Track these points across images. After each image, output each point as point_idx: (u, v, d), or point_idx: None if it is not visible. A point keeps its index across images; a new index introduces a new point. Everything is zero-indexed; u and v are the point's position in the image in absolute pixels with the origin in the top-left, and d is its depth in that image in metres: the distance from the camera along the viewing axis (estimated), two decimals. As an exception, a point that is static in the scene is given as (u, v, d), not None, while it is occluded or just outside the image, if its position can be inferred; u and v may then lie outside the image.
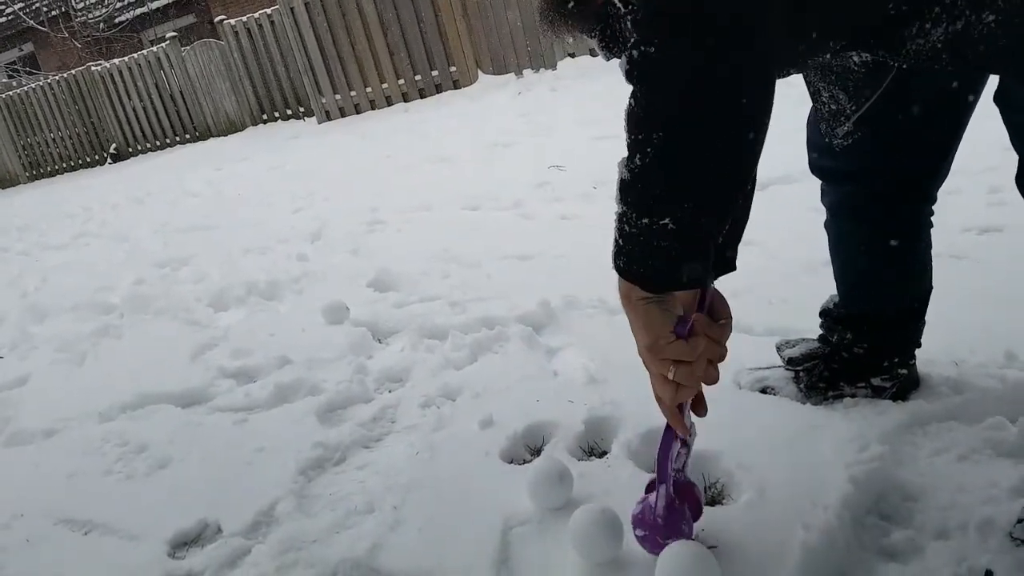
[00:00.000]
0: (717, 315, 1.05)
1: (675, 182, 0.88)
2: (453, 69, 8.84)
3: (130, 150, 12.96)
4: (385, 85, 9.31)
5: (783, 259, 2.32)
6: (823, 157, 1.44)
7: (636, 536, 1.18)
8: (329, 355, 2.27)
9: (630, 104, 0.89)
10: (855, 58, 1.19)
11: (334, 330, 2.48)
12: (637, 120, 0.88)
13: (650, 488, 1.19)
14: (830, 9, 0.93)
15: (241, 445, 1.84)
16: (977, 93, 1.27)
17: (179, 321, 2.93)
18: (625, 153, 0.91)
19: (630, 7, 0.91)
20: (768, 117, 0.90)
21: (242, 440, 1.87)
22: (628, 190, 0.91)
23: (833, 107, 1.28)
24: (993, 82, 1.15)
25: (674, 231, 0.89)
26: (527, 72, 8.45)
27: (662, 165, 0.88)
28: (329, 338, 2.40)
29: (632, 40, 0.86)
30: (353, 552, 1.36)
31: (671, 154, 0.87)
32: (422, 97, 9.11)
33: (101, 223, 6.12)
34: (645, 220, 0.90)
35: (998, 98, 1.08)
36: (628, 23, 0.89)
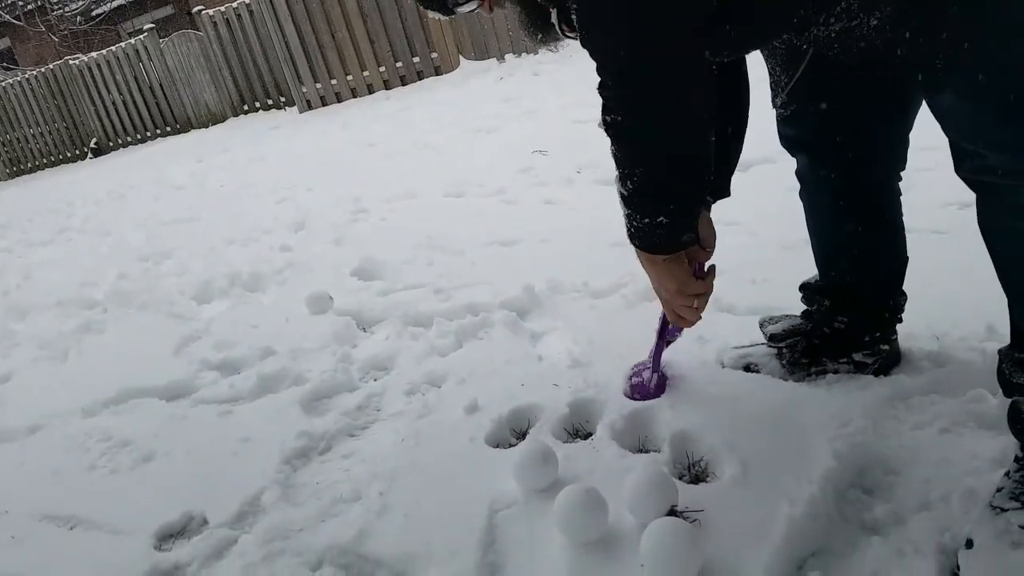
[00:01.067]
0: (706, 244, 1.36)
1: (660, 196, 1.21)
2: (435, 56, 8.79)
3: (110, 144, 12.83)
4: (366, 73, 9.25)
5: (765, 239, 2.33)
6: (779, 125, 1.50)
7: (634, 397, 1.58)
8: (313, 345, 2.26)
9: (613, 150, 1.19)
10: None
11: (318, 320, 2.47)
12: (622, 161, 1.20)
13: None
14: (748, 25, 1.15)
15: (226, 436, 1.83)
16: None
17: (162, 314, 2.91)
18: (617, 175, 1.21)
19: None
20: (713, 115, 1.16)
21: (227, 431, 1.87)
22: (628, 203, 1.23)
23: (773, 79, 1.41)
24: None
25: (669, 223, 1.22)
26: (509, 57, 8.41)
27: (647, 189, 1.20)
28: (313, 328, 2.39)
29: (602, 105, 1.15)
30: (339, 539, 1.36)
31: (652, 182, 1.19)
32: (404, 84, 9.05)
33: (83, 218, 6.06)
34: (647, 219, 1.22)
35: (923, 87, 1.14)
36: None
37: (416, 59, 8.90)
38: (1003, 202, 1.09)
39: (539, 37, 1.32)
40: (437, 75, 8.80)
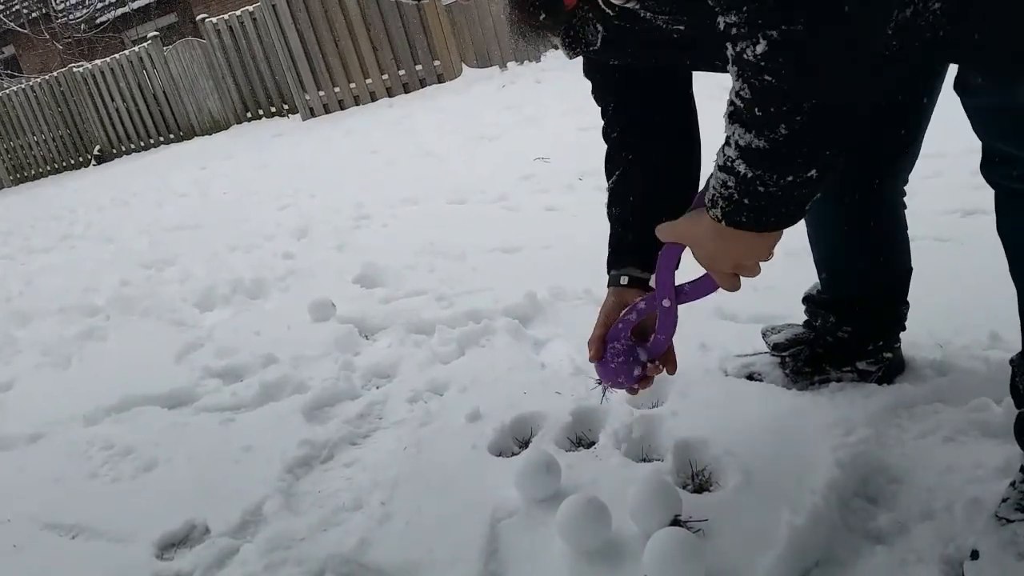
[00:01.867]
0: None
1: (826, 139, 0.93)
2: (437, 63, 8.81)
3: (114, 151, 12.87)
4: (369, 81, 9.27)
5: (768, 246, 2.32)
6: None
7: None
8: (315, 352, 2.26)
9: (767, 81, 0.89)
10: None
11: (320, 327, 2.46)
12: (782, 94, 0.90)
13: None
14: None
15: (228, 445, 1.83)
16: (940, 79, 1.28)
17: (164, 322, 2.91)
18: (747, 124, 0.93)
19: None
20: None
21: (229, 440, 1.86)
22: (769, 157, 0.94)
23: None
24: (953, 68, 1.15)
25: (818, 177, 0.95)
26: (511, 64, 8.43)
27: (815, 129, 0.91)
28: (315, 335, 2.39)
29: (761, 21, 0.86)
30: (341, 548, 1.35)
31: (824, 118, 0.91)
32: (406, 92, 9.07)
33: (86, 225, 6.08)
34: (790, 177, 0.94)
35: (957, 85, 1.08)
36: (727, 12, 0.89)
37: (419, 66, 8.92)
38: None
39: (541, 17, 1.10)
40: (439, 83, 8.83)
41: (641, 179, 1.29)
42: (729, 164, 0.97)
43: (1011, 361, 1.17)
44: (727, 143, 0.97)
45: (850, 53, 0.87)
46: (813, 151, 0.93)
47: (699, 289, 1.22)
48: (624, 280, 1.28)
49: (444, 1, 1.22)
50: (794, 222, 1.02)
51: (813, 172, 0.94)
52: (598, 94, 1.37)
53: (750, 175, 0.96)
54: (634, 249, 1.28)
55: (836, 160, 0.95)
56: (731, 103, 0.94)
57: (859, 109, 0.93)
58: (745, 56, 0.88)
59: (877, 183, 1.40)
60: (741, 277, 1.12)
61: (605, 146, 1.35)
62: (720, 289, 1.18)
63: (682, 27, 1.07)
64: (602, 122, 1.36)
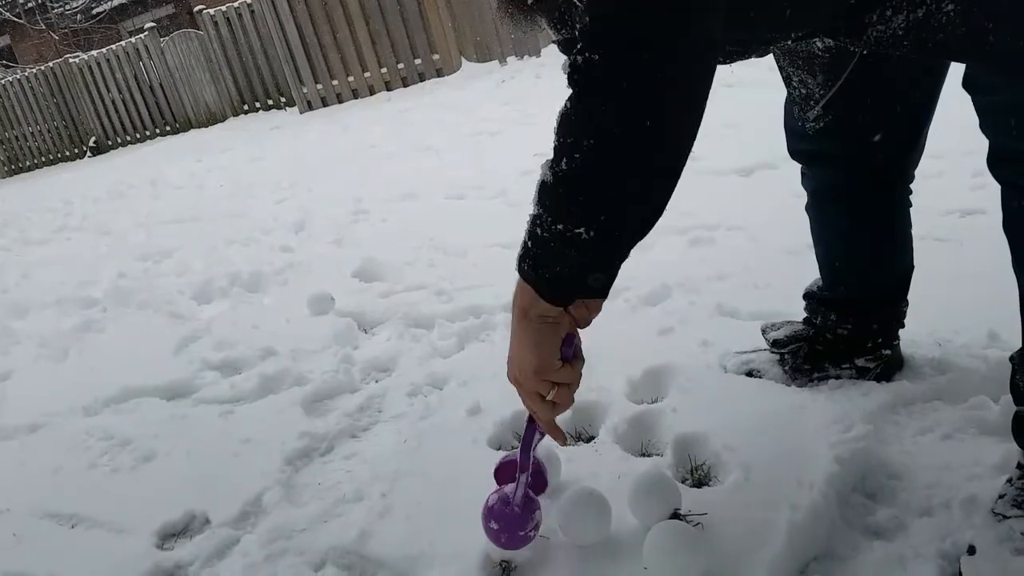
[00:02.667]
0: (595, 311, 1.03)
1: (599, 192, 0.88)
2: (436, 57, 8.80)
3: (110, 143, 12.82)
4: (367, 74, 9.26)
5: (767, 243, 2.33)
6: (800, 141, 1.45)
7: (489, 529, 1.19)
8: (314, 346, 2.26)
9: (565, 107, 0.88)
10: (819, 44, 1.21)
11: (319, 321, 2.47)
12: (571, 124, 0.87)
13: (501, 474, 1.28)
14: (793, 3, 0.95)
15: (227, 437, 1.83)
16: (944, 73, 1.28)
17: (162, 314, 2.90)
18: (551, 156, 0.90)
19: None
20: (697, 126, 0.89)
21: (228, 432, 1.86)
22: (548, 194, 0.90)
23: (803, 91, 1.31)
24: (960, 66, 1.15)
25: (587, 241, 0.89)
26: (511, 59, 8.42)
27: (589, 172, 0.87)
28: (314, 329, 2.39)
29: (578, 46, 0.85)
30: (342, 540, 1.36)
31: (600, 162, 0.86)
32: (405, 86, 9.06)
33: (82, 217, 6.06)
34: (559, 226, 0.89)
35: (966, 83, 1.08)
36: (578, 14, 0.88)
37: (418, 60, 8.91)
38: None
39: (530, 1, 1.07)
40: (438, 77, 8.81)
41: None
42: (534, 197, 0.94)
43: (1011, 359, 1.18)
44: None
45: (638, 93, 0.83)
46: (585, 200, 0.88)
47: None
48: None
49: None
50: (570, 291, 0.95)
51: (582, 230, 0.88)
52: None
53: (533, 212, 0.93)
54: None
55: (607, 229, 0.89)
56: None
57: (643, 168, 0.87)
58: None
59: (883, 181, 1.40)
60: (535, 404, 1.04)
61: None
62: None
63: None
64: None
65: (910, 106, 1.32)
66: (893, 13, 0.96)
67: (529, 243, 0.94)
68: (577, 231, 0.88)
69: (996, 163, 1.09)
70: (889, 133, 1.34)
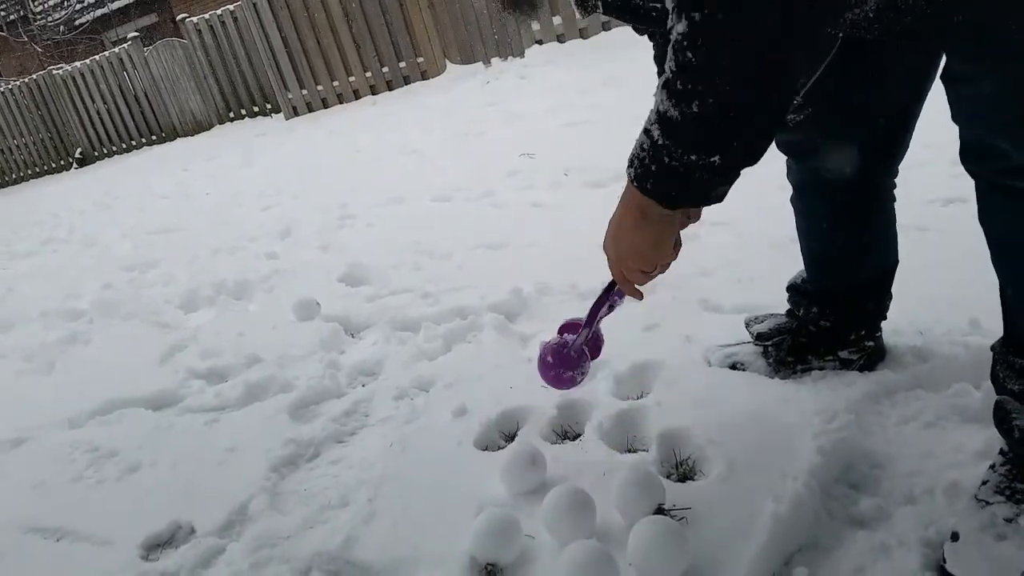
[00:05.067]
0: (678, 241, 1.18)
1: (733, 128, 0.94)
2: (420, 60, 8.78)
3: (96, 154, 12.75)
4: (352, 78, 9.23)
5: (751, 237, 2.33)
6: (784, 132, 1.44)
7: (544, 362, 1.35)
8: (300, 352, 2.26)
9: (687, 57, 0.91)
10: None
11: (305, 327, 2.46)
12: (697, 71, 0.91)
13: (565, 329, 1.42)
14: None
15: (212, 445, 1.82)
16: (932, 74, 1.28)
17: (148, 324, 2.89)
18: (670, 93, 0.94)
19: None
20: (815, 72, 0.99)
21: (213, 440, 1.85)
22: (678, 130, 0.95)
23: None
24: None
25: (720, 165, 0.96)
26: (495, 61, 8.41)
27: (723, 114, 0.92)
28: (300, 335, 2.38)
29: (685, 1, 0.89)
30: (327, 546, 1.35)
31: (734, 105, 0.92)
32: (390, 89, 9.04)
33: (69, 229, 6.02)
34: (693, 156, 0.96)
35: (944, 76, 1.07)
36: None
37: (402, 64, 8.89)
38: (1020, 205, 1.03)
39: None
40: (423, 79, 8.79)
41: None
42: (649, 128, 0.99)
43: (992, 348, 1.18)
44: (653, 107, 0.98)
45: (762, 46, 0.88)
46: (719, 136, 0.95)
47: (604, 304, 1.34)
48: None
49: None
50: (696, 204, 1.05)
51: (716, 159, 0.95)
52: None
53: (660, 143, 0.98)
54: None
55: (742, 155, 0.97)
56: (665, 71, 0.95)
57: (773, 104, 0.95)
58: (673, 32, 0.91)
59: (866, 175, 1.40)
60: (641, 283, 1.19)
61: None
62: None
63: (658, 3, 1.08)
64: None
65: (893, 102, 1.31)
66: None
67: (653, 167, 1.00)
68: (712, 160, 0.96)
69: (970, 159, 1.07)
70: (871, 128, 1.34)
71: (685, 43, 0.90)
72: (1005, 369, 1.13)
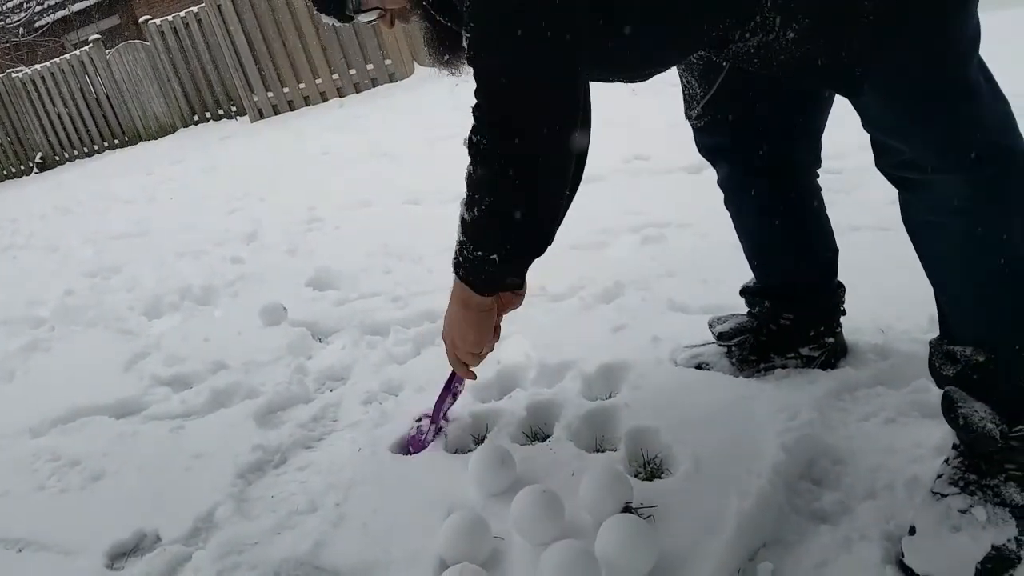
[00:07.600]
0: (521, 294, 1.38)
1: (499, 234, 1.16)
2: (388, 62, 8.75)
3: (57, 158, 12.50)
4: (319, 81, 9.17)
5: (715, 240, 2.36)
6: (698, 136, 1.52)
7: (406, 450, 1.58)
8: (267, 357, 2.24)
9: (468, 167, 1.13)
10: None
11: (272, 332, 2.43)
12: (471, 183, 1.14)
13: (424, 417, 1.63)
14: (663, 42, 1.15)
15: (178, 452, 1.80)
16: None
17: (111, 331, 2.84)
18: (464, 199, 1.16)
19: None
20: (568, 179, 1.17)
21: (179, 447, 1.83)
22: (467, 230, 1.18)
23: (688, 91, 1.42)
24: None
25: (500, 261, 1.18)
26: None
27: (490, 221, 1.14)
28: (267, 340, 2.36)
29: (472, 126, 1.10)
30: (295, 551, 1.34)
31: (496, 214, 1.13)
32: (357, 92, 8.99)
33: (29, 235, 5.89)
34: (479, 252, 1.18)
35: None
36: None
37: (370, 66, 8.85)
38: (921, 197, 1.13)
39: (445, 59, 1.35)
40: (391, 82, 8.76)
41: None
42: (457, 226, 1.20)
43: (930, 343, 1.21)
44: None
45: (519, 165, 1.09)
46: (492, 238, 1.16)
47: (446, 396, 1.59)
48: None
49: (363, 19, 1.26)
50: (492, 292, 1.27)
51: (495, 256, 1.17)
52: None
53: (459, 239, 1.20)
54: None
55: (518, 253, 1.19)
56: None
57: (537, 212, 1.14)
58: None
59: (780, 174, 1.45)
60: (472, 364, 1.41)
61: None
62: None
63: None
64: None
65: (796, 105, 1.38)
66: (751, 36, 1.09)
67: (459, 258, 1.22)
68: (492, 257, 1.17)
69: (875, 154, 1.16)
70: (774, 132, 1.40)
71: (469, 158, 1.12)
72: (940, 358, 1.18)
